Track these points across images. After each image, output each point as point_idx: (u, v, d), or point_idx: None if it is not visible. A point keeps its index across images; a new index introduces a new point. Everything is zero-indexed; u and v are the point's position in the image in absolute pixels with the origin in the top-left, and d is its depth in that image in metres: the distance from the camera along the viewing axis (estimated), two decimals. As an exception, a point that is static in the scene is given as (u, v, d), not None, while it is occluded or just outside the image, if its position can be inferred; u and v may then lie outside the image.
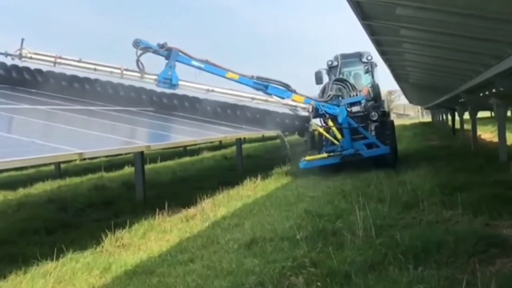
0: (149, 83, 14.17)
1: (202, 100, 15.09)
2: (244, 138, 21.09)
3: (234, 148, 21.26)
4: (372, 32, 11.55)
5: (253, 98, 14.59)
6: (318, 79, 15.97)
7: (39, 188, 15.84)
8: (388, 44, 13.17)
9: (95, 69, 13.82)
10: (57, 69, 14.02)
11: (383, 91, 16.79)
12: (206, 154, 26.24)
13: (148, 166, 17.36)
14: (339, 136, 14.60)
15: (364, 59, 16.45)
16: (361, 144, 14.59)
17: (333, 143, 14.73)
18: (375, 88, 16.44)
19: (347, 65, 16.72)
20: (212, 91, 14.24)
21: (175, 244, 7.72)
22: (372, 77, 16.60)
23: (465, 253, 5.70)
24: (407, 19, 9.18)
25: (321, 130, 14.84)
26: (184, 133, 11.95)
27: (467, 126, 23.55)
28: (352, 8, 9.31)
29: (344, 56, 16.58)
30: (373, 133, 15.11)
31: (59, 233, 8.98)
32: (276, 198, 10.95)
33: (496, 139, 17.24)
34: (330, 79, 15.92)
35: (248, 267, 5.96)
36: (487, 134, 26.34)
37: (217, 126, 13.96)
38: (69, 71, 14.16)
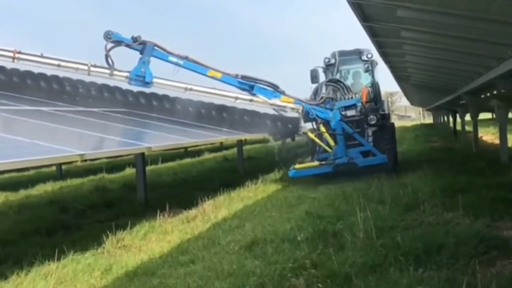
0: (120, 81, 12.92)
1: (182, 100, 14.02)
2: (245, 140, 21.03)
3: (235, 149, 21.27)
4: (373, 34, 11.58)
5: (236, 98, 13.33)
6: (314, 78, 14.67)
7: (40, 189, 15.87)
8: (389, 45, 13.20)
9: (58, 65, 12.48)
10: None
11: (383, 92, 15.91)
12: (207, 156, 26.26)
13: (149, 168, 17.38)
14: (332, 142, 13.34)
15: (364, 57, 15.20)
16: (356, 151, 13.41)
17: (325, 150, 13.52)
18: (375, 88, 15.22)
19: (346, 63, 15.50)
20: (191, 89, 13.03)
21: (176, 245, 7.73)
22: (373, 76, 15.35)
23: (465, 255, 5.69)
24: (408, 21, 9.20)
25: (312, 136, 13.48)
26: (183, 135, 11.93)
27: (469, 128, 23.56)
28: (353, 10, 9.34)
29: (343, 53, 15.32)
30: (371, 139, 13.97)
31: (60, 234, 9.01)
32: (277, 199, 10.95)
33: (497, 141, 17.25)
34: (327, 77, 14.79)
35: (249, 269, 5.96)
36: (489, 136, 26.34)
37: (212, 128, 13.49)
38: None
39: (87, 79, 13.38)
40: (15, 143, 7.08)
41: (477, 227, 6.85)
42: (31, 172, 21.59)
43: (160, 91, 14.04)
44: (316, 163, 13.42)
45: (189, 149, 27.38)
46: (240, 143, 18.21)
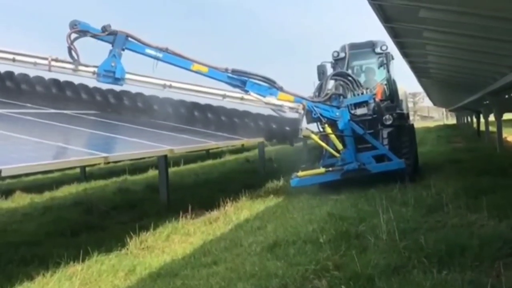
0: (86, 77, 11.33)
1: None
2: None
3: (256, 151, 21.30)
4: (395, 34, 11.53)
5: (224, 96, 11.65)
6: (321, 74, 12.78)
7: (64, 191, 16.09)
8: (411, 46, 13.11)
9: (13, 60, 10.90)
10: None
11: (401, 89, 13.62)
12: (229, 157, 26.35)
13: (171, 169, 17.49)
14: (339, 146, 11.65)
15: (377, 50, 13.39)
16: (369, 156, 11.77)
17: (332, 155, 11.89)
18: (391, 84, 12.97)
19: (357, 57, 13.78)
20: (170, 86, 11.39)
21: (198, 247, 7.77)
22: (388, 71, 13.33)
23: (490, 257, 5.64)
24: (430, 21, 9.15)
25: (316, 138, 11.78)
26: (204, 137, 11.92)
27: (493, 128, 23.29)
28: (375, 11, 9.31)
29: (354, 46, 13.57)
30: (386, 141, 12.23)
31: (85, 235, 9.09)
32: (298, 201, 10.94)
33: (522, 142, 17.03)
34: None
35: (271, 270, 5.97)
36: (513, 136, 26.00)
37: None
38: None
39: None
40: (39, 146, 7.19)
41: (501, 229, 6.79)
42: (56, 174, 21.88)
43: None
44: (322, 169, 11.78)
45: (210, 151, 27.50)
46: (262, 145, 18.22)
